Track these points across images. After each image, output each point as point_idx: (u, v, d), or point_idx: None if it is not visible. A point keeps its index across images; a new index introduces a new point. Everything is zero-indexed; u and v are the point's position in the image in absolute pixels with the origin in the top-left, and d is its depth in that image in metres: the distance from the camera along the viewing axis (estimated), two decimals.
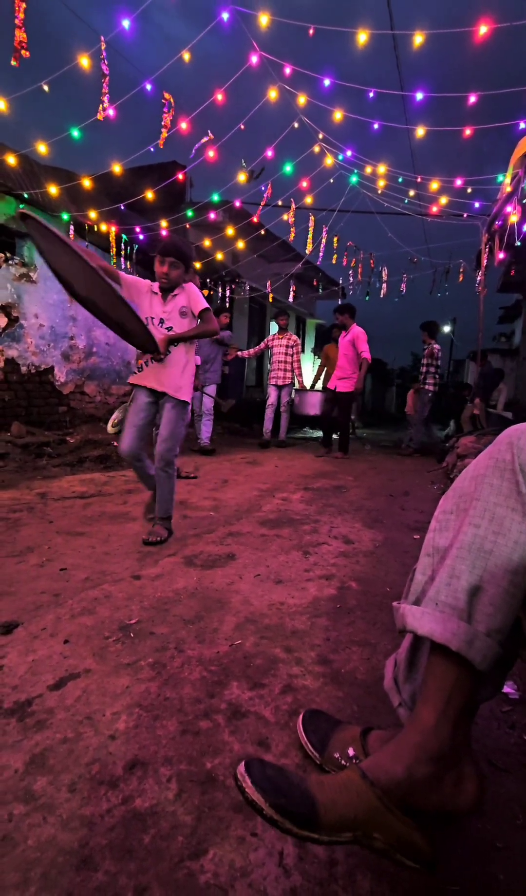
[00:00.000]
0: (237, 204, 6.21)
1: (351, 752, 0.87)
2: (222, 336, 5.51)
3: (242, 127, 4.76)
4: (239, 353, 6.28)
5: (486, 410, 7.70)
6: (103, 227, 6.61)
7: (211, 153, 4.79)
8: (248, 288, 9.95)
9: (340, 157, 5.85)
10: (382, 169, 5.77)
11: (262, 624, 1.52)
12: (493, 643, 0.65)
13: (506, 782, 0.93)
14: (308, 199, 6.50)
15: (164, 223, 6.69)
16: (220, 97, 4.43)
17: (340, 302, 12.46)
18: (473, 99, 4.26)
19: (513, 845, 0.80)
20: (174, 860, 0.75)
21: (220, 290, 9.64)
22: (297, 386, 7.61)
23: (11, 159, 5.11)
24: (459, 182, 5.75)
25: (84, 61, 3.77)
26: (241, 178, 5.36)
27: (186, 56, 4.08)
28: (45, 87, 4.00)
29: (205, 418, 5.60)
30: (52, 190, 5.50)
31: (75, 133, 4.45)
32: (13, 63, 3.28)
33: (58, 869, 0.73)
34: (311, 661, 1.32)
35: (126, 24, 3.70)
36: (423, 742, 0.67)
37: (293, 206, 6.50)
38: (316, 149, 5.71)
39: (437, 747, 0.67)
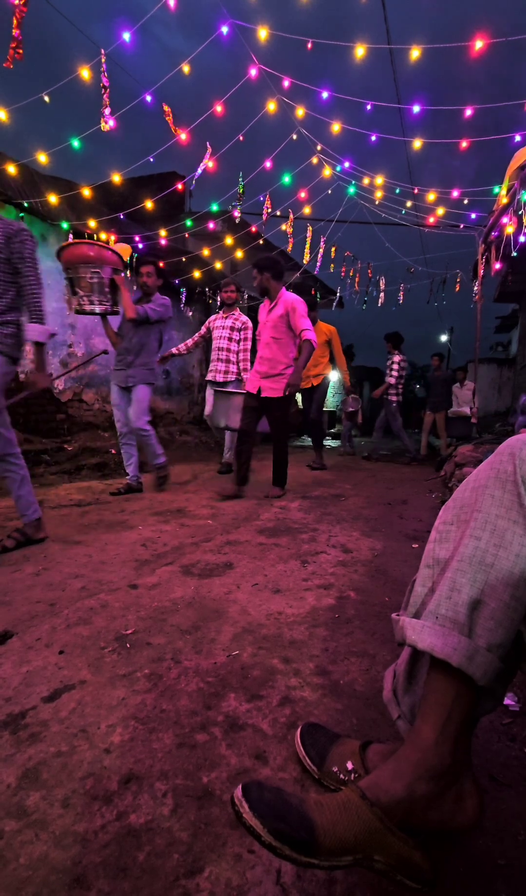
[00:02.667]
0: (236, 215, 6.26)
1: (350, 766, 0.86)
2: (141, 311, 3.59)
3: (241, 138, 4.81)
4: (173, 350, 4.68)
5: (446, 417, 7.96)
6: (103, 236, 6.65)
7: (210, 164, 4.84)
8: (246, 297, 10.00)
9: (338, 168, 5.92)
10: (379, 180, 5.83)
11: (259, 634, 1.51)
12: (494, 658, 0.64)
13: (507, 797, 0.92)
14: (306, 210, 6.56)
15: (163, 232, 6.74)
16: (219, 109, 4.48)
17: (337, 308, 12.57)
18: (469, 112, 4.31)
19: (515, 862, 0.78)
20: (169, 878, 0.73)
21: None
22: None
23: (12, 169, 5.14)
24: (455, 193, 5.81)
25: (85, 73, 3.81)
26: (240, 189, 5.41)
27: (186, 68, 4.13)
28: (46, 98, 4.04)
29: (148, 438, 3.73)
30: (52, 199, 5.53)
31: (75, 143, 4.49)
32: (7, 65, 3.32)
33: (50, 888, 0.71)
34: (309, 673, 1.30)
35: (126, 36, 3.75)
36: (423, 759, 0.66)
37: (292, 216, 6.56)
38: (314, 160, 5.78)
39: (437, 764, 0.66)
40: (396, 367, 6.95)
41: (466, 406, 8.13)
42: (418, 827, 0.66)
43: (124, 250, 4.46)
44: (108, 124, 4.02)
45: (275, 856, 0.62)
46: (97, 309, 3.50)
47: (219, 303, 5.69)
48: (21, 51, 3.27)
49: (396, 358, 7.00)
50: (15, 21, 3.19)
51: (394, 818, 0.65)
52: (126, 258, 3.94)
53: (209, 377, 4.94)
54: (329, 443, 9.69)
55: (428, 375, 8.14)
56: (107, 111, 3.95)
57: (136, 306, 3.60)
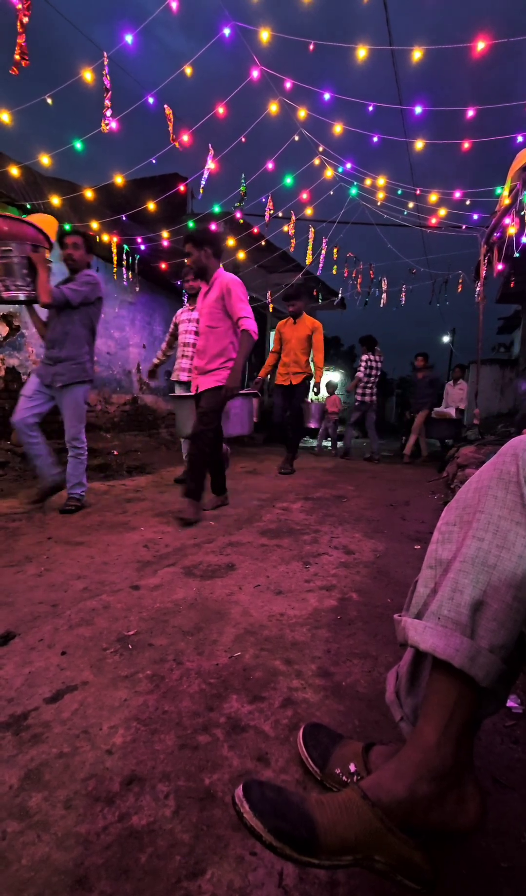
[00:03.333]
0: (238, 216, 6.27)
1: (352, 767, 0.86)
2: (57, 294, 2.99)
3: (244, 140, 4.82)
4: (154, 360, 4.46)
5: (428, 418, 7.62)
6: (105, 238, 6.67)
7: (212, 165, 4.85)
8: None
9: (340, 169, 5.92)
10: (381, 181, 5.83)
11: (261, 635, 1.51)
12: (496, 659, 0.64)
13: (510, 799, 0.91)
14: (308, 211, 6.56)
15: (165, 234, 6.75)
16: (221, 110, 4.49)
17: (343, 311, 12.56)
18: (471, 113, 4.31)
19: (518, 864, 0.78)
20: (171, 880, 0.73)
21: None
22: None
23: (14, 170, 5.16)
24: (457, 194, 5.81)
25: (87, 75, 3.82)
26: (242, 189, 5.42)
27: (189, 70, 4.15)
28: (49, 101, 4.05)
29: (79, 456, 3.26)
30: (55, 201, 5.55)
31: (78, 145, 4.50)
32: (13, 72, 3.32)
33: (52, 889, 0.71)
34: (311, 674, 1.30)
35: (129, 39, 3.76)
36: (425, 760, 0.66)
37: (293, 217, 6.57)
38: (316, 161, 5.78)
39: (439, 765, 0.66)
40: (362, 364, 7.32)
41: (453, 407, 7.99)
42: (420, 828, 0.66)
43: (48, 223, 3.77)
44: (109, 125, 4.03)
45: (275, 854, 0.62)
46: (21, 296, 2.89)
47: (185, 295, 5.10)
48: (27, 57, 3.28)
49: (364, 357, 7.31)
50: (19, 26, 3.20)
51: (395, 819, 0.65)
52: (52, 232, 3.32)
53: (173, 377, 4.47)
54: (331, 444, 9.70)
55: (410, 376, 8.19)
56: (108, 113, 3.96)
57: (51, 288, 2.95)
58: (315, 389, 5.20)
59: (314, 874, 0.75)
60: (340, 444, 10.59)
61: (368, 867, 0.64)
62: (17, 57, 3.24)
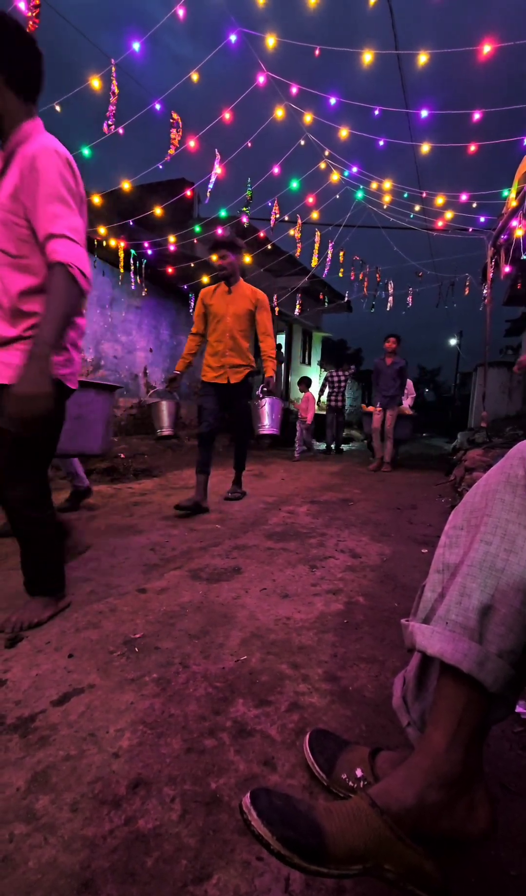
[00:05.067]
0: (244, 220, 6.30)
1: (359, 773, 0.85)
2: None
3: (250, 145, 4.84)
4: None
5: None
6: (113, 243, 6.72)
7: (218, 169, 4.87)
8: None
9: (346, 173, 5.93)
10: (387, 184, 5.83)
11: (268, 639, 1.50)
12: (505, 664, 0.63)
13: (519, 807, 0.90)
14: (314, 215, 6.58)
15: (172, 238, 6.79)
16: (227, 116, 4.52)
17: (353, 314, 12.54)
18: (477, 116, 4.31)
19: None
20: (177, 885, 0.73)
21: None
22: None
23: None
24: (464, 197, 5.81)
25: (95, 82, 3.86)
26: (248, 194, 5.44)
27: (195, 76, 4.18)
28: (58, 108, 4.10)
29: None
30: None
31: (86, 151, 4.54)
32: None
33: (58, 892, 0.71)
34: (318, 678, 1.30)
35: (136, 46, 3.80)
36: (433, 767, 0.66)
37: (299, 221, 6.59)
38: (322, 165, 5.80)
39: (448, 772, 0.65)
40: (331, 379, 8.61)
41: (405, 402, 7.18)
42: (429, 836, 0.66)
43: None
44: (112, 129, 4.06)
45: (283, 864, 0.62)
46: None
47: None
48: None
49: (331, 372, 8.59)
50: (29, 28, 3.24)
51: (404, 826, 0.64)
52: None
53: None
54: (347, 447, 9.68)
55: (376, 362, 6.66)
56: (112, 118, 3.99)
57: None
58: (265, 388, 3.53)
59: (321, 881, 0.74)
60: (344, 446, 10.59)
61: (378, 876, 0.64)
62: None
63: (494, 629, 0.64)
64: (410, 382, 7.39)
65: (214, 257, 3.44)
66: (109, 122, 4.01)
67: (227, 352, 3.45)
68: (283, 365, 14.56)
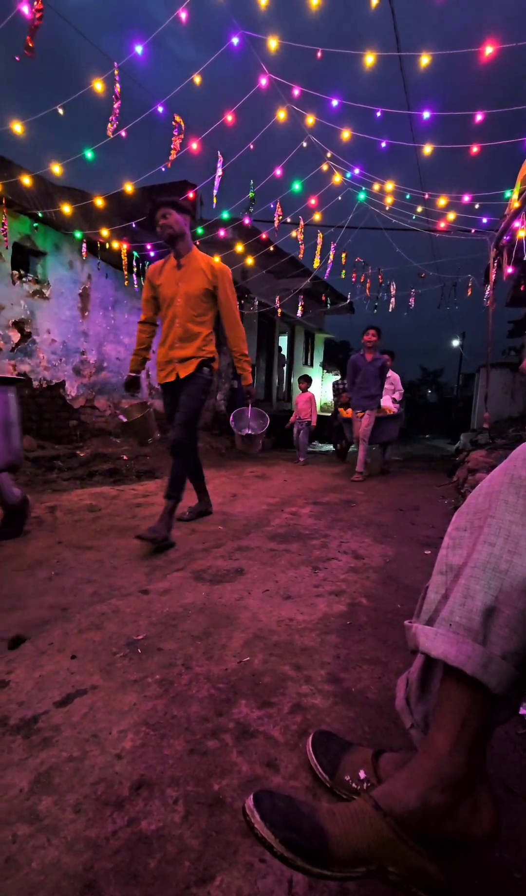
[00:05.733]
0: (247, 221, 6.30)
1: (362, 774, 0.85)
2: None
3: (252, 147, 4.85)
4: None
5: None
6: (115, 245, 6.74)
7: (220, 172, 4.88)
8: (257, 303, 10.05)
9: (348, 174, 5.94)
10: (389, 186, 5.84)
11: (270, 640, 1.50)
12: (509, 666, 0.63)
13: (523, 809, 0.90)
14: (317, 216, 6.58)
15: None
16: (229, 118, 4.53)
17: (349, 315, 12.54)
18: (479, 117, 4.31)
19: None
20: (180, 886, 0.72)
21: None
22: None
23: (27, 180, 5.24)
24: (466, 198, 5.80)
25: (98, 86, 3.88)
26: (251, 196, 5.45)
27: (197, 79, 4.19)
28: (60, 111, 4.11)
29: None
30: (66, 209, 5.63)
31: (89, 154, 4.56)
32: (17, 58, 3.34)
33: (62, 894, 0.71)
34: (320, 680, 1.29)
35: (138, 49, 3.81)
36: (437, 769, 0.65)
37: (302, 223, 6.59)
38: (324, 167, 5.80)
39: (452, 774, 0.65)
40: (340, 385, 8.27)
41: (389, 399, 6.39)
42: (433, 838, 0.65)
43: None
44: (115, 127, 4.07)
45: (287, 866, 0.62)
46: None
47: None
48: (31, 49, 3.29)
49: (340, 380, 8.49)
50: (30, 30, 3.25)
51: (407, 829, 0.64)
52: None
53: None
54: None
55: (354, 358, 5.72)
56: (114, 118, 4.00)
57: None
58: (247, 397, 3.05)
59: (324, 883, 0.74)
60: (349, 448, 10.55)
61: (382, 878, 0.64)
62: (27, 53, 3.28)
63: (498, 631, 0.64)
64: (396, 377, 6.63)
65: (155, 221, 2.67)
66: (113, 125, 4.02)
67: (176, 343, 2.74)
68: (285, 367, 14.57)
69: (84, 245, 6.58)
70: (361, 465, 5.41)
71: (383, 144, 5.14)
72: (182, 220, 2.62)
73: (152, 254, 7.14)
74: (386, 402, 6.20)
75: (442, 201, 5.79)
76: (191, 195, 5.96)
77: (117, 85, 3.86)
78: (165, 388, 2.88)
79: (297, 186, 5.65)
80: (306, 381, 7.63)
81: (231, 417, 3.38)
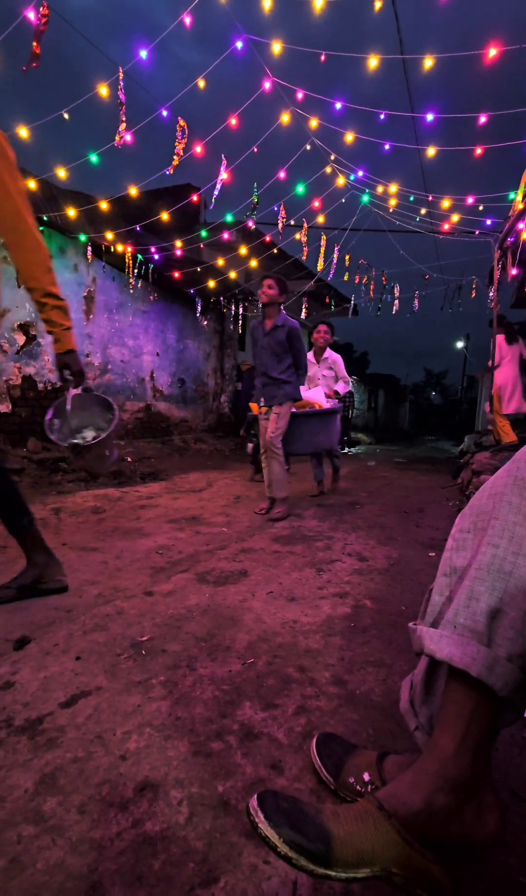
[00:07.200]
0: (250, 224, 6.32)
1: (366, 777, 0.85)
2: None
3: (255, 150, 4.86)
4: None
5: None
6: (120, 248, 6.77)
7: (225, 175, 4.90)
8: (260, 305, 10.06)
9: (352, 177, 5.94)
10: (393, 188, 5.84)
11: (274, 642, 1.50)
12: (514, 668, 0.63)
13: None
14: (320, 219, 6.59)
15: (178, 243, 6.83)
16: (233, 121, 4.54)
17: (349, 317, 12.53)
18: (483, 119, 4.31)
19: None
20: (185, 888, 0.72)
21: (233, 307, 9.77)
22: None
23: (32, 184, 5.27)
24: (470, 200, 5.79)
25: (103, 90, 3.90)
26: (254, 199, 5.47)
27: (201, 83, 4.21)
28: (66, 116, 4.14)
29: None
30: (71, 212, 5.66)
31: (93, 158, 4.59)
32: (25, 69, 3.37)
33: (66, 894, 0.71)
34: (325, 682, 1.29)
35: (143, 54, 3.84)
36: (442, 771, 0.65)
37: (306, 225, 6.60)
38: (328, 169, 5.81)
39: (456, 776, 0.65)
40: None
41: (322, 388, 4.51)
42: (437, 841, 0.65)
43: None
44: (124, 139, 4.10)
45: (291, 867, 0.62)
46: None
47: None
48: (38, 59, 3.32)
49: None
50: (36, 36, 3.27)
51: (412, 830, 0.64)
52: None
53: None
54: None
55: (252, 324, 3.83)
56: (123, 127, 4.03)
57: None
58: (66, 374, 1.87)
59: (329, 885, 0.74)
60: (351, 449, 10.55)
61: (386, 880, 0.63)
62: (33, 64, 3.31)
63: (503, 633, 0.64)
64: (338, 358, 4.53)
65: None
66: (121, 135, 4.04)
67: None
68: None
69: (89, 248, 6.61)
70: (271, 488, 3.38)
71: (387, 147, 5.15)
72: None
73: (156, 256, 7.16)
74: (317, 393, 4.12)
75: (446, 203, 5.79)
76: (194, 198, 5.97)
77: (122, 94, 3.88)
78: None
79: (300, 189, 5.66)
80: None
81: (48, 414, 1.94)
